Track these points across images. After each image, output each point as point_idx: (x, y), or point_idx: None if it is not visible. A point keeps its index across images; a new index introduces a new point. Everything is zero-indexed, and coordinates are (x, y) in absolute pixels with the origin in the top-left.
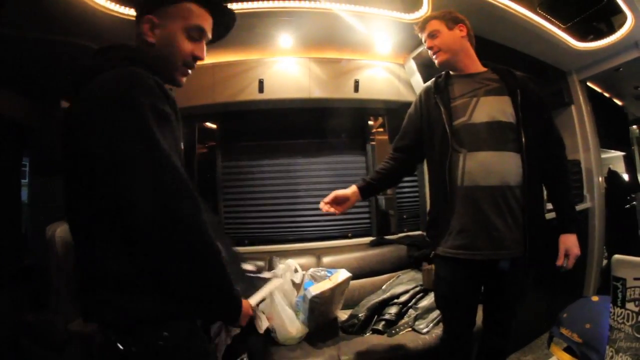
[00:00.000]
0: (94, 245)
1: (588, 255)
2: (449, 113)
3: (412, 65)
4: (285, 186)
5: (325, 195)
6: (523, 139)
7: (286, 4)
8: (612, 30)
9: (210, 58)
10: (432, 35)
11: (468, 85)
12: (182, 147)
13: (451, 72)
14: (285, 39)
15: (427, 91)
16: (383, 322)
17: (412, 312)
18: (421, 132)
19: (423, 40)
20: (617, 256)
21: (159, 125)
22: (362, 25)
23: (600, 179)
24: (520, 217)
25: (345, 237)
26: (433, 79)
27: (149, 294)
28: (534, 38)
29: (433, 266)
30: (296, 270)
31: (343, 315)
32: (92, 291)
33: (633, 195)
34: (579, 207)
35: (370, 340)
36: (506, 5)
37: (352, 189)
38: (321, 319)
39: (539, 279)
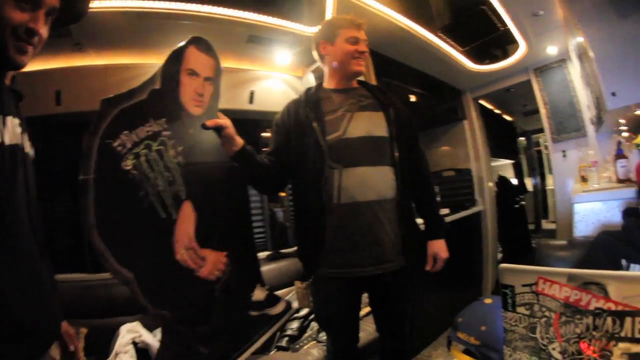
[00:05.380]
0: None
1: (483, 251)
2: (323, 127)
3: (311, 78)
4: None
5: None
6: (396, 153)
7: (186, 6)
8: (506, 56)
9: (101, 59)
10: (364, 41)
11: (342, 99)
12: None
13: (325, 86)
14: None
15: (296, 103)
16: (286, 338)
17: (314, 325)
18: (289, 146)
19: (359, 41)
20: (503, 265)
21: None
22: (264, 35)
23: (490, 184)
24: (397, 228)
25: None
26: (304, 91)
27: None
28: (433, 58)
29: (306, 284)
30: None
31: None
32: None
33: (522, 197)
34: (472, 210)
35: (275, 357)
36: (408, 27)
37: (240, 139)
38: None
39: (439, 279)
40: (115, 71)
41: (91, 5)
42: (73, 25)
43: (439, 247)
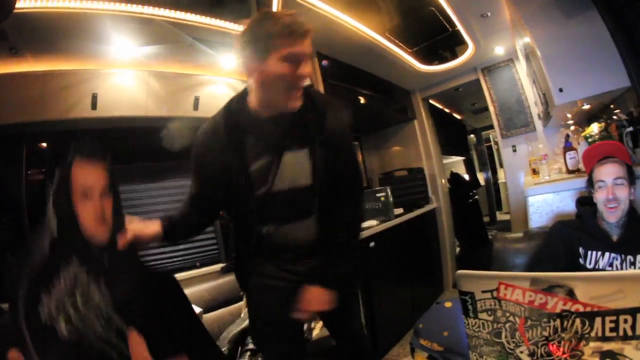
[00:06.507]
0: None
1: (441, 247)
2: (250, 181)
3: None
4: None
5: None
6: (317, 204)
7: (127, 7)
8: (455, 56)
9: (40, 65)
10: (309, 56)
11: (268, 133)
12: None
13: (249, 104)
14: (125, 47)
15: (215, 131)
16: (249, 352)
17: None
18: (214, 184)
19: (302, 60)
20: (460, 272)
21: None
22: (208, 38)
23: (443, 181)
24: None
25: (194, 267)
26: (223, 111)
27: None
28: (381, 60)
29: None
30: None
31: None
32: None
33: (475, 191)
34: (426, 208)
35: None
36: (356, 28)
37: (156, 228)
38: None
39: (401, 278)
40: (54, 78)
41: (27, 5)
42: (8, 29)
43: (313, 295)
